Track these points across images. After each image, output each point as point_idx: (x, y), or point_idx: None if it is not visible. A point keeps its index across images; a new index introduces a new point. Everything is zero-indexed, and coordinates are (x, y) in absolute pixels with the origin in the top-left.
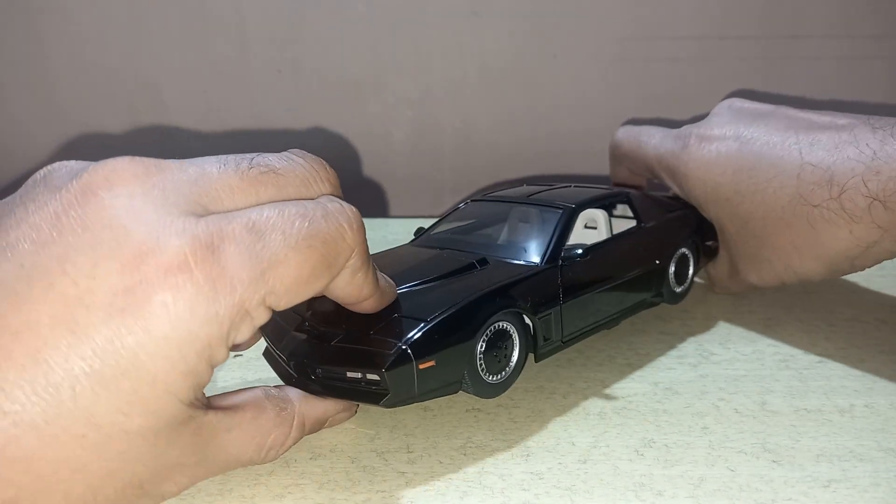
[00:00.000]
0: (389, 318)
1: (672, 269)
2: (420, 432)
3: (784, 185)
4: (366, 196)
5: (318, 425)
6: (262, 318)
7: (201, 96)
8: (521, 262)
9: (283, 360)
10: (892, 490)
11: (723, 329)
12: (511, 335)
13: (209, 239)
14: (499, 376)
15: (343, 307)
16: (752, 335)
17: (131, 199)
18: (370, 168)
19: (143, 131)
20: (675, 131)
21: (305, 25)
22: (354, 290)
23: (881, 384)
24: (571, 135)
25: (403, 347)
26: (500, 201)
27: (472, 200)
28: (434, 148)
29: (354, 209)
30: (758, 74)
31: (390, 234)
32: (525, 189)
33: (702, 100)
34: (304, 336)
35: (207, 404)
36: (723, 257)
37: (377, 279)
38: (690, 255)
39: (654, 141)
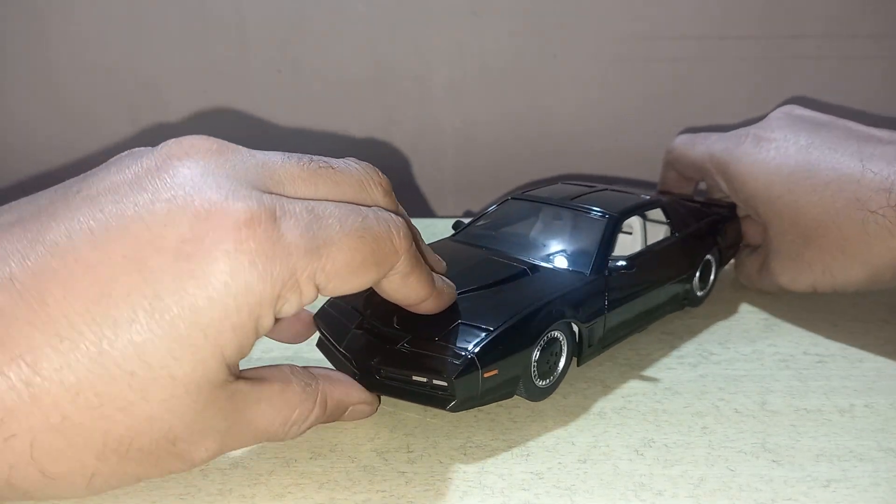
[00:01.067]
0: (454, 325)
1: (697, 274)
2: (420, 432)
3: (843, 188)
4: None
5: (340, 409)
6: (310, 295)
7: (201, 96)
8: (570, 271)
9: (346, 357)
10: (892, 490)
11: (723, 329)
12: (561, 342)
13: (272, 208)
14: (548, 381)
15: (402, 309)
16: (752, 335)
17: (206, 168)
18: None
19: (143, 132)
20: (731, 133)
21: (305, 25)
22: (410, 292)
23: (881, 384)
24: (571, 134)
25: (471, 356)
26: (542, 202)
27: (511, 198)
28: (434, 148)
29: (403, 219)
30: (758, 74)
31: None
32: (563, 189)
33: (702, 100)
34: (367, 335)
35: (240, 375)
36: (758, 253)
37: (432, 281)
38: (713, 261)
39: (708, 141)
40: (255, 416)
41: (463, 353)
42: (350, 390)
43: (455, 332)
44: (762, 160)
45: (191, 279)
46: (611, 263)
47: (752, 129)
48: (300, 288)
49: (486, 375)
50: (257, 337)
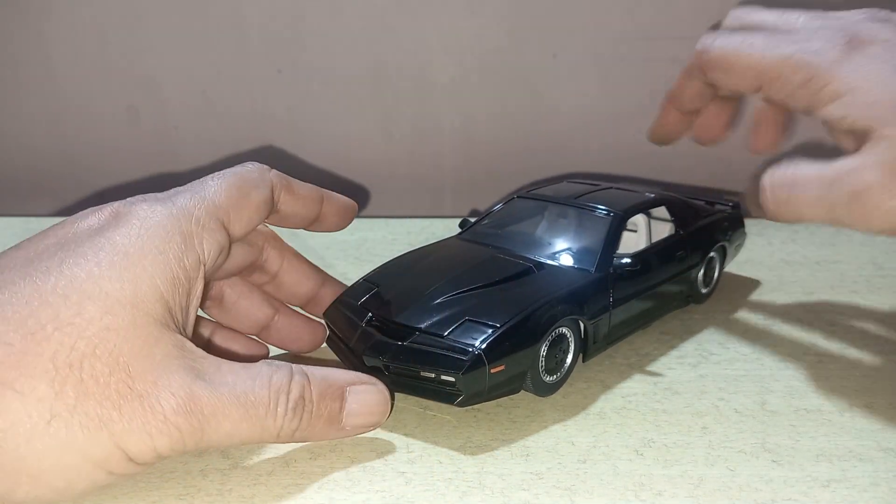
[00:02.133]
0: (461, 322)
1: (701, 272)
2: (420, 432)
3: None
4: (366, 196)
5: (332, 388)
6: (217, 228)
7: (201, 96)
8: (575, 268)
9: (355, 353)
10: (892, 490)
11: (723, 329)
12: (568, 338)
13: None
14: (555, 376)
15: (409, 304)
16: (752, 335)
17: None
18: (370, 168)
19: (144, 131)
20: (794, 31)
21: (305, 25)
22: (303, 199)
23: (881, 384)
24: (571, 134)
25: (478, 352)
26: (548, 201)
27: (517, 197)
28: (434, 148)
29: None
30: None
31: (390, 234)
32: (568, 188)
33: None
34: (376, 332)
35: (198, 348)
36: (838, 177)
37: (316, 188)
38: (717, 259)
39: (775, 42)
40: (223, 375)
41: (470, 350)
42: (335, 371)
43: (462, 328)
44: (869, 67)
45: (106, 221)
46: (616, 261)
47: (839, 31)
48: (208, 225)
49: (492, 371)
50: (189, 277)
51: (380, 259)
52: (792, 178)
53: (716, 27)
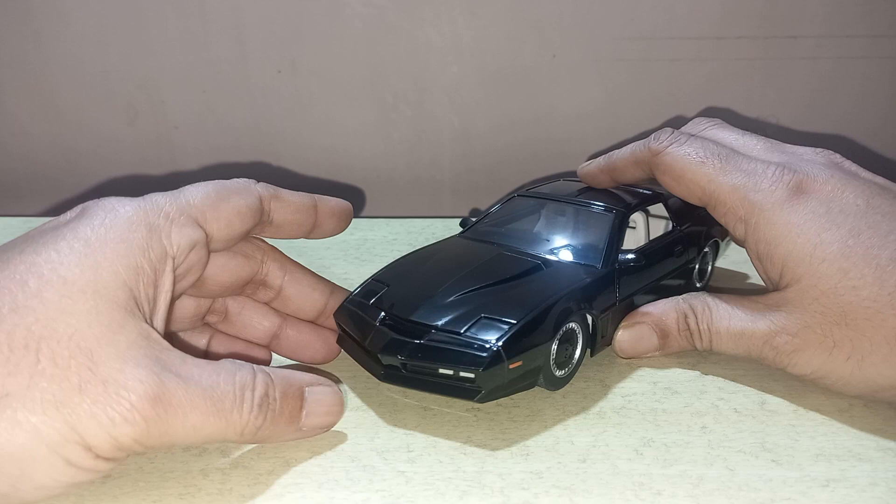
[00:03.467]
0: (477, 319)
1: (697, 266)
2: (420, 432)
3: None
4: (366, 196)
5: (293, 388)
6: (192, 226)
7: (201, 96)
8: (582, 265)
9: (371, 353)
10: (891, 490)
11: None
12: (577, 333)
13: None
14: (565, 370)
15: (422, 303)
16: None
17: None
18: (370, 168)
19: (144, 131)
20: (753, 160)
21: (305, 25)
22: (294, 207)
23: None
24: (570, 134)
25: (496, 349)
26: (548, 199)
27: (517, 195)
28: (434, 148)
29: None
30: (757, 74)
31: (390, 234)
32: (566, 186)
33: (701, 100)
34: (391, 331)
35: (169, 344)
36: (744, 315)
37: (307, 195)
38: (710, 254)
39: (726, 165)
40: (190, 375)
41: (488, 346)
42: (295, 373)
43: (479, 325)
44: (806, 220)
45: (74, 216)
46: (620, 256)
47: (789, 173)
48: (177, 219)
49: (511, 367)
50: (155, 268)
51: (380, 259)
52: (710, 320)
53: (676, 125)
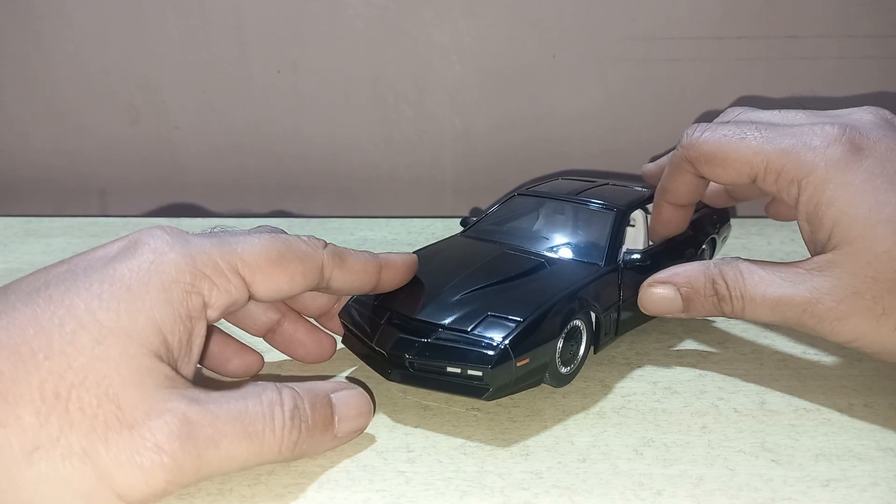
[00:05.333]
0: (484, 317)
1: None
2: (420, 432)
3: None
4: (366, 196)
5: (319, 396)
6: (238, 284)
7: (201, 96)
8: (585, 262)
9: (379, 352)
10: (891, 489)
11: (722, 328)
12: (581, 330)
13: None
14: (570, 367)
15: (428, 302)
16: (751, 334)
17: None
18: (370, 168)
19: (144, 131)
20: (796, 121)
21: (305, 26)
22: (360, 272)
23: (880, 384)
24: (570, 134)
25: (504, 346)
26: (548, 197)
27: (518, 195)
28: (434, 148)
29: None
30: (757, 74)
31: (390, 234)
32: (565, 185)
33: (701, 100)
34: (398, 329)
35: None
36: (786, 277)
37: (373, 256)
38: (708, 251)
39: (764, 134)
40: (216, 402)
41: (496, 344)
42: (317, 382)
43: (486, 323)
44: (862, 180)
45: (121, 251)
46: (625, 256)
47: (840, 130)
48: (225, 274)
49: (518, 364)
50: (191, 316)
51: None
52: (743, 286)
53: (702, 120)
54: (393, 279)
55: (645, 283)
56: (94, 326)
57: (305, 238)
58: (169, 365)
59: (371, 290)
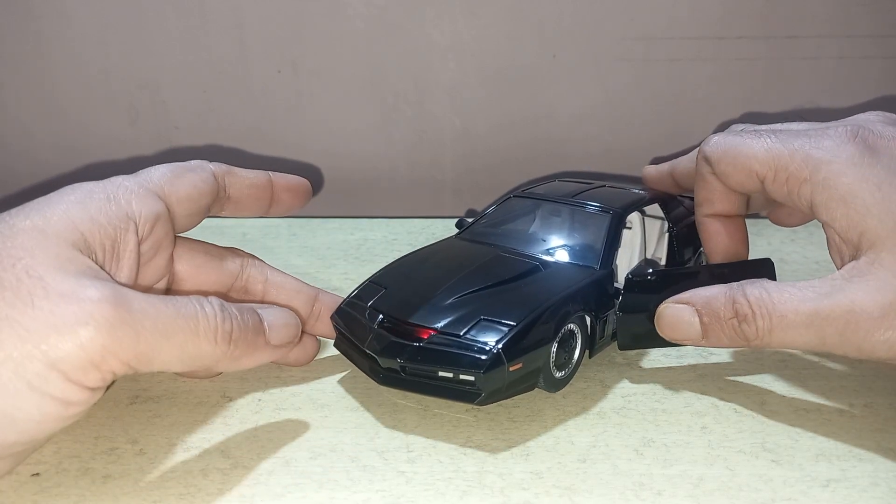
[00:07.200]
0: (476, 321)
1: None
2: (420, 432)
3: None
4: (366, 196)
5: (245, 305)
6: (150, 199)
7: (201, 96)
8: (580, 266)
9: (370, 355)
10: (891, 490)
11: None
12: (576, 334)
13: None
14: (565, 371)
15: (421, 305)
16: None
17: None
18: (370, 168)
19: (144, 131)
20: (805, 125)
21: (305, 25)
22: (246, 180)
23: (880, 384)
24: (570, 134)
25: (497, 351)
26: (544, 200)
27: (513, 196)
28: (434, 148)
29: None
30: (757, 74)
31: (390, 234)
32: (562, 187)
33: (701, 100)
34: (389, 333)
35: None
36: (823, 293)
37: (258, 170)
38: (705, 255)
39: (774, 136)
40: (150, 297)
41: (488, 349)
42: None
43: (478, 327)
44: (885, 175)
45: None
46: (635, 278)
47: (852, 128)
48: (137, 191)
49: (511, 369)
50: (113, 224)
51: (380, 259)
52: (770, 304)
53: (702, 120)
54: (286, 193)
55: (662, 304)
56: (4, 227)
57: (192, 160)
58: (91, 260)
59: (270, 207)
